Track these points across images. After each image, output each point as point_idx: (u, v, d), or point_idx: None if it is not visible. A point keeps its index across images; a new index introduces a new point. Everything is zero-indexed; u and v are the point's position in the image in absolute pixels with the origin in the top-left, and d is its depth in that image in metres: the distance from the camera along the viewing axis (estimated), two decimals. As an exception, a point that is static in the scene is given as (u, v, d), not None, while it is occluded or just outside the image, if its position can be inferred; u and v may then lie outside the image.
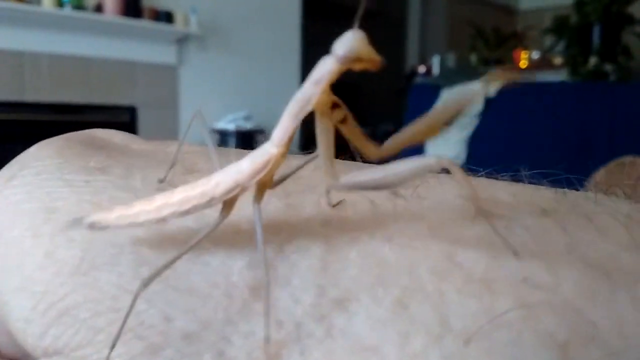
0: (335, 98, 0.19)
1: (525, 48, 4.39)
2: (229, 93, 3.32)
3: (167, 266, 0.18)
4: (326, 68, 0.18)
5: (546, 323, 0.17)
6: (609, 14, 3.39)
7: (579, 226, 0.20)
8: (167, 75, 3.14)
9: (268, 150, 0.19)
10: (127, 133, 0.28)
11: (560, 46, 3.70)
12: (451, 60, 4.44)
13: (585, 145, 2.10)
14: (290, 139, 0.19)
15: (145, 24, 2.95)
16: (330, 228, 0.20)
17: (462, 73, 3.89)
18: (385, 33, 4.73)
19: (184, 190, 0.19)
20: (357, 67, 0.18)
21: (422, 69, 4.41)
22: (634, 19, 3.42)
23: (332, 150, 0.19)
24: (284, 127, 0.19)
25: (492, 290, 0.17)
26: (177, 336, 0.17)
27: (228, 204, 0.19)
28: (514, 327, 0.16)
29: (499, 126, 2.25)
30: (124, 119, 2.97)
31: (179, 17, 3.07)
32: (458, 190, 0.21)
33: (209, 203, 0.19)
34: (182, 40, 3.16)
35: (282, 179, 0.20)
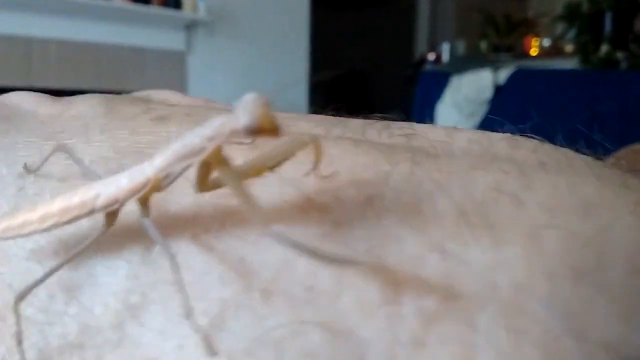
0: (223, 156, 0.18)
1: (536, 35, 4.35)
2: (237, 79, 3.31)
3: (40, 282, 0.17)
4: (223, 129, 0.17)
5: (312, 341, 0.15)
6: (620, 1, 3.35)
7: (396, 218, 0.17)
8: (176, 61, 3.14)
9: (146, 172, 0.18)
10: (42, 94, 0.26)
11: (572, 34, 3.67)
12: (461, 47, 4.40)
13: (596, 133, 2.08)
14: (172, 174, 0.18)
15: (153, 9, 2.94)
16: (158, 226, 0.18)
17: (472, 60, 3.87)
18: (394, 20, 4.70)
19: (64, 199, 0.19)
20: (256, 137, 0.17)
21: (431, 56, 4.38)
22: (647, 6, 3.38)
23: (246, 193, 0.17)
24: (168, 159, 0.18)
25: (270, 303, 0.16)
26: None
27: (111, 215, 0.19)
28: (279, 345, 0.15)
29: (508, 113, 2.23)
30: (132, 105, 2.97)
31: (187, 3, 3.06)
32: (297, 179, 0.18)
33: (90, 213, 0.18)
34: (191, 27, 3.15)
35: (171, 182, 0.19)
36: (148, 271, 0.18)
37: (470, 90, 2.31)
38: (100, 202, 0.18)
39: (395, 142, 0.21)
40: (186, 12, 3.07)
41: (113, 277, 0.18)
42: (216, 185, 0.18)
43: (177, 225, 0.18)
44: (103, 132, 0.22)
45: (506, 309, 0.15)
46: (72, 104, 0.25)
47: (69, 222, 0.19)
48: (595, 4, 3.44)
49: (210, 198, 0.19)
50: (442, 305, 0.15)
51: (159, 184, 0.18)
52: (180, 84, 3.14)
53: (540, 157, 0.21)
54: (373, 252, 0.17)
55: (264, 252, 0.17)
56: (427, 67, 4.18)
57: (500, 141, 0.22)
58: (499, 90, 2.25)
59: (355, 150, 0.20)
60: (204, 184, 0.18)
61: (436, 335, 0.15)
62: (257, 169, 0.18)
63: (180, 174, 0.18)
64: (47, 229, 0.19)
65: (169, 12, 3.01)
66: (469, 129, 0.23)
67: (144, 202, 0.18)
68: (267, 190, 0.18)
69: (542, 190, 0.18)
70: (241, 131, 0.16)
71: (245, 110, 0.16)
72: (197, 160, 0.17)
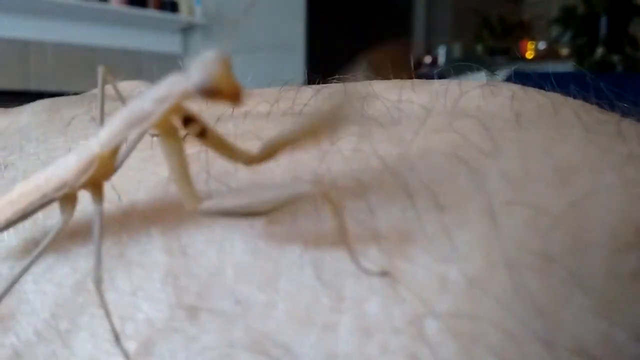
0: (188, 112, 0.15)
1: (532, 38, 4.36)
2: (233, 83, 3.31)
3: (13, 283, 0.16)
4: (175, 89, 0.15)
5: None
6: (616, 5, 3.36)
7: (335, 208, 0.14)
8: (172, 64, 3.12)
9: (92, 149, 0.16)
10: None
11: (567, 37, 3.67)
12: (457, 50, 4.41)
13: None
14: (118, 147, 0.16)
15: (150, 13, 2.94)
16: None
17: (468, 63, 3.87)
18: (390, 23, 4.71)
19: (23, 184, 0.17)
20: (213, 100, 0.14)
21: (428, 59, 4.38)
22: (642, 9, 3.39)
23: (186, 170, 0.15)
24: (113, 131, 0.16)
25: (197, 321, 0.15)
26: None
27: (66, 202, 0.17)
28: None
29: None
30: (129, 108, 2.96)
31: (183, 6, 3.06)
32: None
33: (44, 198, 0.17)
34: (187, 30, 3.15)
35: (123, 160, 0.17)
36: (75, 295, 0.16)
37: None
38: (51, 185, 0.17)
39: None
40: (182, 15, 3.06)
41: (43, 302, 0.17)
42: (269, 154, 0.15)
43: (105, 239, 0.17)
44: (39, 142, 0.21)
45: (457, 310, 0.13)
46: (20, 114, 0.24)
47: (27, 209, 0.17)
48: (590, 7, 3.45)
49: (135, 204, 0.17)
50: (384, 311, 0.13)
51: (109, 162, 0.16)
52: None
53: (518, 106, 0.18)
54: (308, 251, 0.14)
55: (192, 263, 0.15)
56: (424, 69, 4.18)
57: (472, 90, 0.19)
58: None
59: (293, 129, 0.17)
60: (242, 156, 0.15)
61: (378, 348, 0.13)
62: (316, 132, 0.15)
63: (132, 149, 0.16)
64: (10, 220, 0.17)
65: (166, 16, 3.00)
66: (439, 80, 0.20)
67: (96, 187, 0.16)
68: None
69: (509, 155, 0.15)
70: (195, 92, 0.14)
71: (201, 68, 0.14)
72: (146, 128, 0.15)
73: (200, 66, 0.14)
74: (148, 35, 3.01)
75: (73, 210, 0.17)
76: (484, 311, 0.12)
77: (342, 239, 0.14)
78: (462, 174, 0.14)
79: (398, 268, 0.13)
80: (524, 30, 4.45)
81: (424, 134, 0.16)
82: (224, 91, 0.14)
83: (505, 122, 0.16)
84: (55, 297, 0.16)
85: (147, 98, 0.15)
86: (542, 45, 4.28)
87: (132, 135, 0.16)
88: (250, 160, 0.15)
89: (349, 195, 0.15)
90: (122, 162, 0.17)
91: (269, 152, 0.15)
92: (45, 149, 0.21)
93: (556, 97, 0.19)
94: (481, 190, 0.14)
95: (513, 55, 4.24)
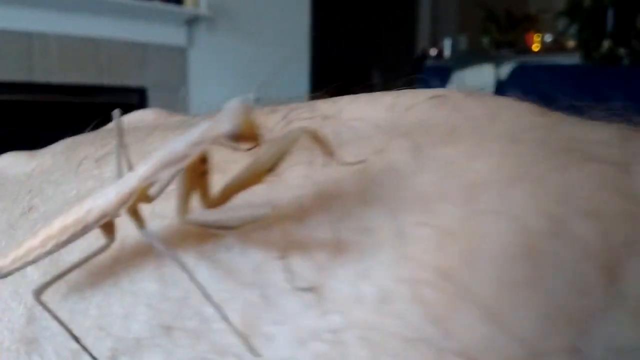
0: (205, 155, 0.18)
1: (538, 31, 4.34)
2: (238, 74, 3.31)
3: (55, 280, 0.19)
4: (208, 135, 0.17)
5: None
6: (623, -3, 3.34)
7: (279, 239, 0.17)
8: (177, 56, 3.13)
9: (130, 183, 0.18)
10: (23, 153, 0.27)
11: (574, 29, 3.66)
12: (463, 43, 4.40)
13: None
14: (159, 185, 0.19)
15: (154, 5, 2.93)
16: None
17: (474, 56, 3.86)
18: (396, 15, 4.69)
19: (61, 219, 0.19)
20: (238, 143, 0.17)
21: (433, 51, 4.37)
22: (649, 2, 3.37)
23: (190, 193, 0.18)
24: (151, 167, 0.18)
25: (171, 338, 0.17)
26: None
27: (107, 229, 0.19)
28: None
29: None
30: (133, 100, 2.96)
31: (188, -2, 3.05)
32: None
33: (84, 230, 0.19)
34: (192, 22, 3.14)
35: (160, 190, 0.19)
36: (82, 319, 0.19)
37: (472, 85, 2.31)
38: (92, 217, 0.19)
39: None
40: (187, 7, 3.06)
41: (59, 327, 0.19)
42: (225, 197, 0.18)
43: (103, 272, 0.19)
44: (57, 185, 0.23)
45: (368, 321, 0.15)
46: (45, 155, 0.26)
47: (67, 241, 0.19)
48: (597, -1, 3.43)
49: (125, 239, 0.19)
50: (315, 323, 0.15)
51: (145, 194, 0.19)
52: (181, 80, 3.14)
53: (456, 119, 0.19)
54: (256, 273, 0.17)
55: (169, 287, 0.18)
56: (429, 62, 4.17)
57: (424, 101, 0.20)
58: (500, 85, 2.25)
59: (238, 175, 0.19)
60: (207, 199, 0.18)
61: (310, 354, 0.15)
62: (257, 175, 0.18)
63: (167, 183, 0.18)
64: (49, 252, 0.19)
65: (170, 7, 3.00)
66: (399, 91, 0.21)
67: (135, 214, 0.19)
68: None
69: (428, 175, 0.16)
70: (223, 137, 0.17)
71: (228, 117, 0.17)
72: (181, 166, 0.18)
73: (229, 116, 0.17)
74: (152, 27, 3.00)
75: (114, 234, 0.19)
76: (388, 322, 0.14)
77: (282, 261, 0.16)
78: (385, 197, 0.16)
79: (326, 285, 0.15)
80: (530, 22, 4.43)
81: (364, 156, 0.18)
82: (247, 136, 0.17)
83: (439, 138, 0.18)
84: (68, 322, 0.18)
85: (183, 142, 0.18)
86: (548, 38, 4.26)
87: (168, 175, 0.18)
88: (209, 204, 0.18)
89: (291, 220, 0.17)
90: (158, 194, 0.19)
91: (223, 197, 0.18)
92: (61, 192, 0.23)
93: (499, 104, 0.20)
94: (398, 213, 0.16)
95: (519, 48, 4.23)
